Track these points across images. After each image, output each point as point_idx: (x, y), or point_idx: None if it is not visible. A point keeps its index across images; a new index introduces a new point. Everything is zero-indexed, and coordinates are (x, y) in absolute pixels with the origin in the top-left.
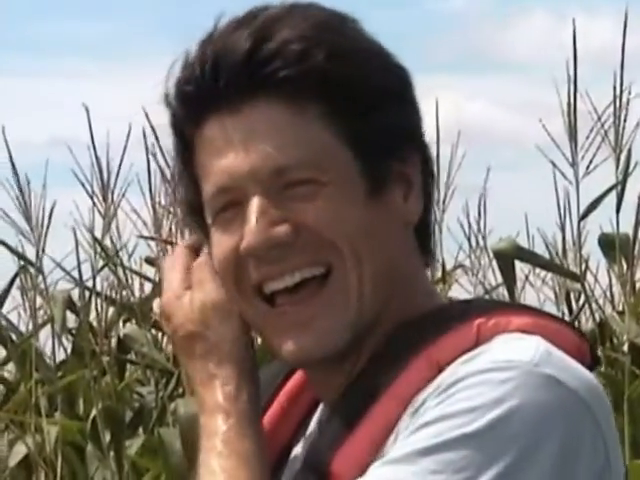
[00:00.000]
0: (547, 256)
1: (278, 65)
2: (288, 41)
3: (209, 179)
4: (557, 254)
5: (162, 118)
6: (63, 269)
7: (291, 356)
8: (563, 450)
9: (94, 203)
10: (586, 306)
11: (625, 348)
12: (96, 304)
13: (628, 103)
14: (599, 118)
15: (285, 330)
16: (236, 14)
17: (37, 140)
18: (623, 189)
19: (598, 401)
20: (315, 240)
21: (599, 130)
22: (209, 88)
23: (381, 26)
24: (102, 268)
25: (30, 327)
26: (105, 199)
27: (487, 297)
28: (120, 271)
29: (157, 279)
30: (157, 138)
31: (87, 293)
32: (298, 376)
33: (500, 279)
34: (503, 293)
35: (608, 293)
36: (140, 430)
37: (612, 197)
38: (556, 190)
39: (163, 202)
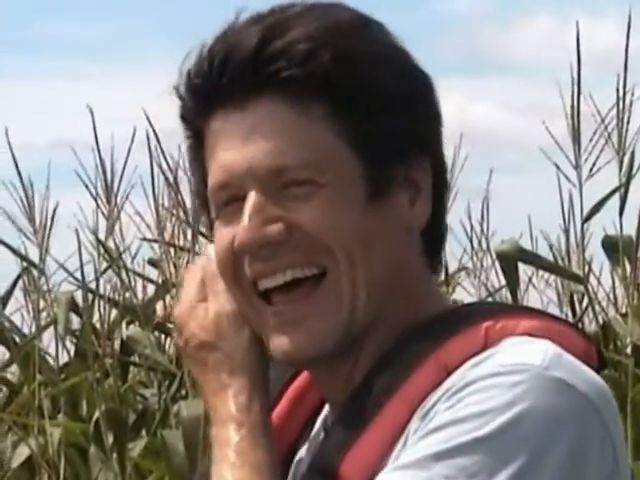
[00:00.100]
0: (550, 258)
1: (283, 64)
2: (295, 41)
3: (212, 173)
4: (560, 256)
5: (163, 121)
6: (66, 271)
7: (282, 354)
8: (573, 453)
9: (97, 205)
10: (589, 308)
11: (628, 350)
12: (99, 306)
13: (631, 105)
14: (602, 120)
15: (278, 328)
16: (257, 10)
17: (39, 142)
18: (626, 191)
19: (606, 404)
20: (308, 241)
21: (602, 132)
22: (215, 83)
23: None
24: (105, 270)
25: (33, 329)
26: (109, 201)
27: (490, 299)
28: (123, 273)
29: (160, 281)
30: (159, 141)
31: (90, 295)
32: (304, 375)
33: (503, 281)
34: (506, 295)
35: (611, 295)
36: (143, 432)
37: (615, 199)
38: (559, 192)
39: (166, 204)
